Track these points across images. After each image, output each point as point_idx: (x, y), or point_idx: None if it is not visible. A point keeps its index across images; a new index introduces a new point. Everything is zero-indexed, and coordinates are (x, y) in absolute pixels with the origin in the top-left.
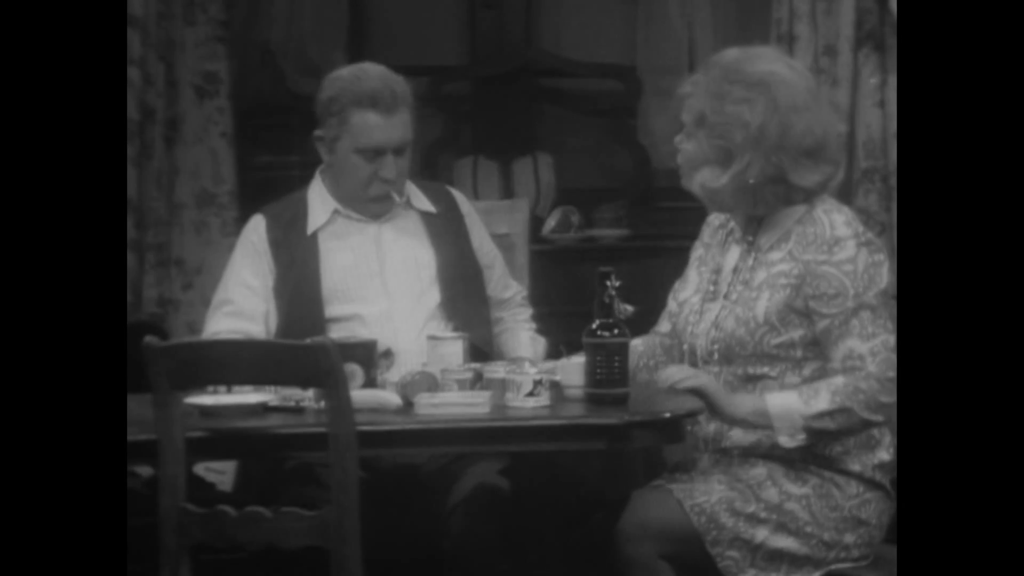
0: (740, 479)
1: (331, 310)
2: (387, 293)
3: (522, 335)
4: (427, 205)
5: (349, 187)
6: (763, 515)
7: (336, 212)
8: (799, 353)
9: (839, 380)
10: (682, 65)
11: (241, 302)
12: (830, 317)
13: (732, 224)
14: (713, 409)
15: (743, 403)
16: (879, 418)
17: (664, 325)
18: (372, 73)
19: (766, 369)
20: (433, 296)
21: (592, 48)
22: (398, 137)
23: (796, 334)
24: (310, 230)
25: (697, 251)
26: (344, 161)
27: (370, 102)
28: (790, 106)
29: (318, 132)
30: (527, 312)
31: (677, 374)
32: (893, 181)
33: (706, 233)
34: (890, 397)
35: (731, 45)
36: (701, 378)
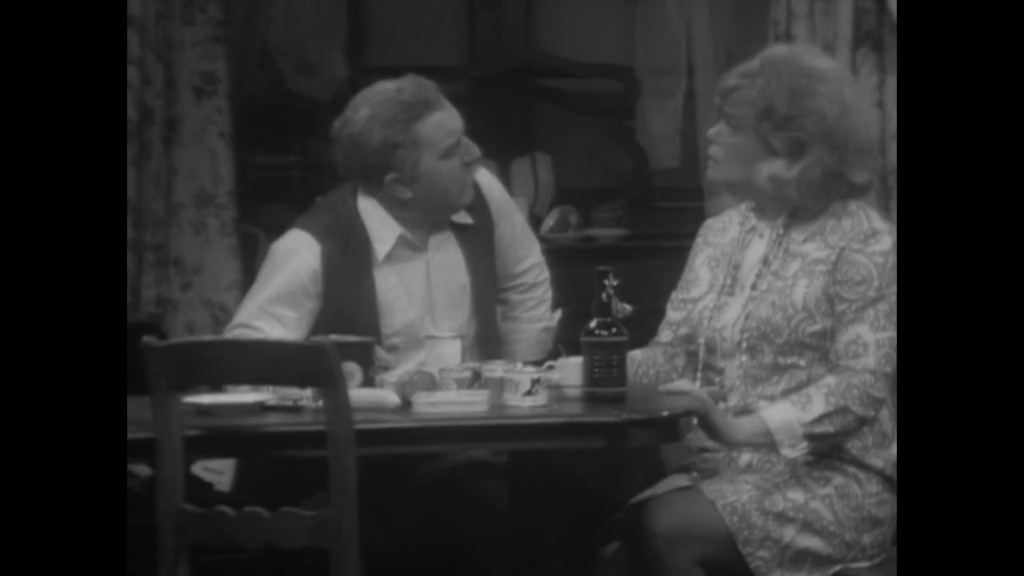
0: (765, 477)
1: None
2: (435, 326)
3: (529, 334)
4: (465, 217)
5: (444, 197)
6: (791, 514)
7: (401, 238)
8: (829, 343)
9: (830, 381)
10: (680, 65)
11: (270, 332)
12: (848, 302)
13: (754, 222)
14: (712, 434)
15: (742, 427)
16: (872, 413)
17: (665, 335)
18: (401, 92)
19: (795, 359)
20: (472, 327)
21: (590, 48)
22: (460, 119)
23: (829, 323)
24: (379, 256)
25: (704, 252)
26: (433, 176)
27: (424, 107)
28: (854, 103)
29: (389, 177)
30: (539, 292)
31: (683, 388)
32: (891, 181)
33: (709, 235)
34: (883, 392)
35: (729, 45)
36: (704, 401)
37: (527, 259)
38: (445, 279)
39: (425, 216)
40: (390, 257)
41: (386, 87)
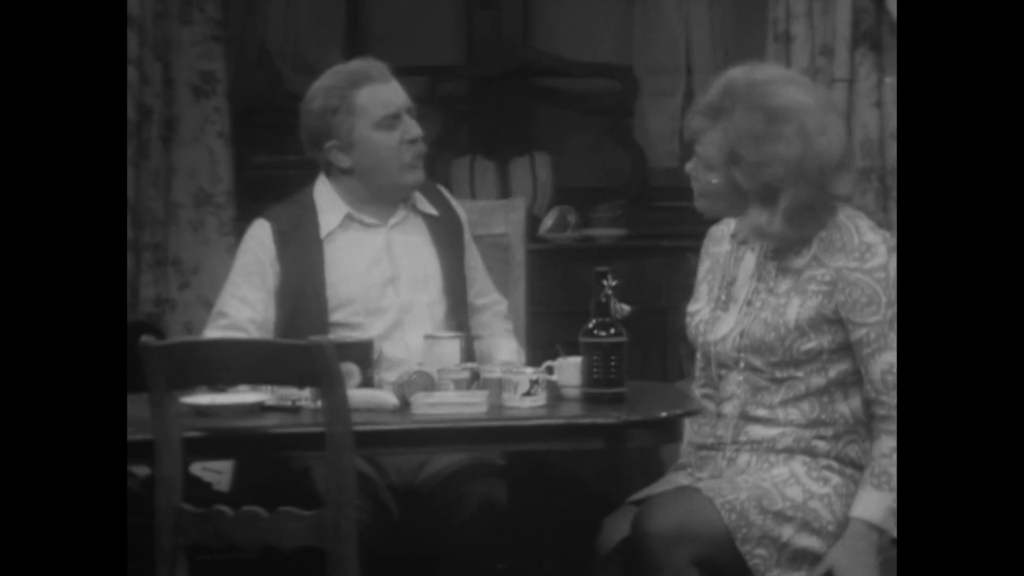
0: (764, 477)
1: (338, 316)
2: (399, 303)
3: (502, 343)
4: (429, 208)
5: (381, 171)
6: (789, 513)
7: (348, 216)
8: (825, 357)
9: (891, 444)
10: (679, 65)
11: (236, 315)
12: (867, 327)
13: (745, 234)
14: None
15: (851, 546)
16: None
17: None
18: (348, 64)
19: (792, 371)
20: (441, 307)
21: (589, 48)
22: (405, 97)
23: (824, 340)
24: (323, 233)
25: (704, 263)
26: (367, 145)
27: (365, 78)
28: (817, 130)
29: (328, 144)
30: (508, 324)
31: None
32: (890, 181)
33: (709, 244)
34: None
35: (728, 45)
36: (832, 560)
37: (488, 294)
38: (408, 255)
39: (372, 192)
40: (342, 231)
41: (339, 65)
